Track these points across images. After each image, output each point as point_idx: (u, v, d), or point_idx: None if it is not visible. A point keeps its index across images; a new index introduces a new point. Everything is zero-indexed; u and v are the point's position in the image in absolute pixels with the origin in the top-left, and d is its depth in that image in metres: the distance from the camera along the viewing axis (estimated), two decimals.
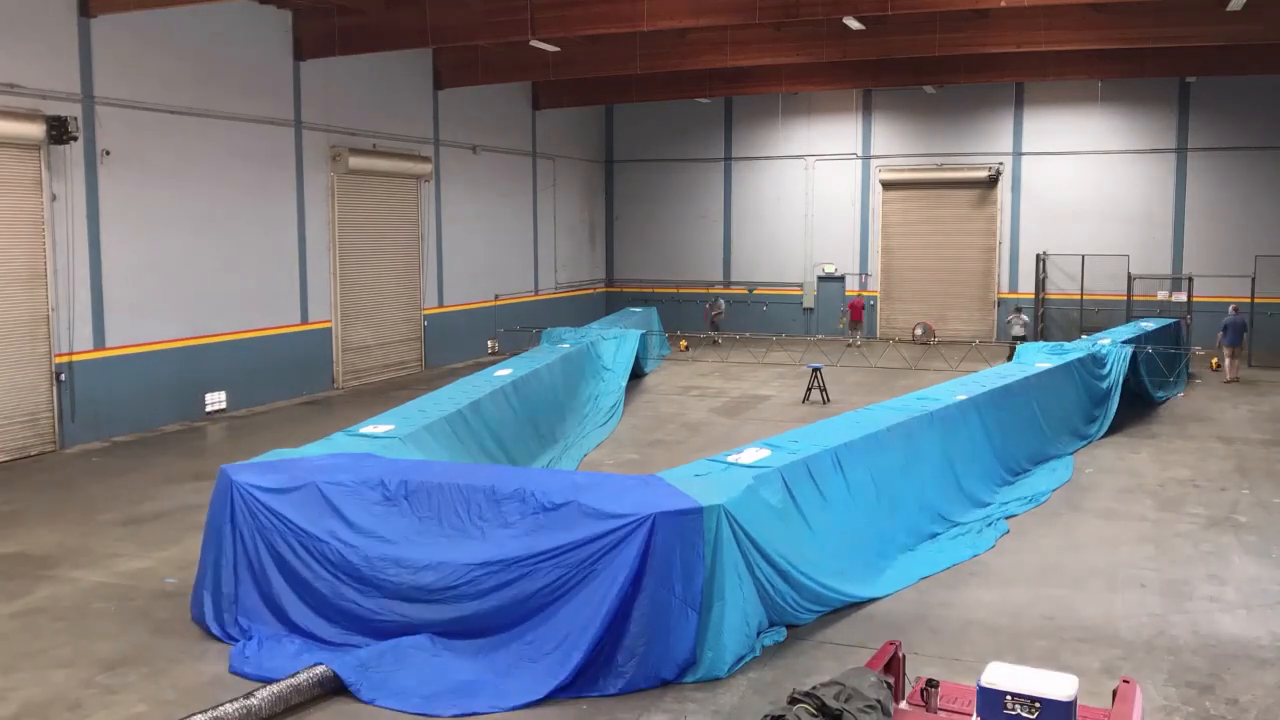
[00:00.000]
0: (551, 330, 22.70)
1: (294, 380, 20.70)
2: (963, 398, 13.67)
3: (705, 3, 17.84)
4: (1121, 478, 14.38)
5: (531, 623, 8.08)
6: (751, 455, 9.96)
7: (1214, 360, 20.57)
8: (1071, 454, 15.50)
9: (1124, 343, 18.48)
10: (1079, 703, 5.42)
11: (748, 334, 28.48)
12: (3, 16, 15.25)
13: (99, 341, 16.81)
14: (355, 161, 21.82)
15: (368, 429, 11.54)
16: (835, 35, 21.36)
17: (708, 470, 9.57)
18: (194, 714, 7.05)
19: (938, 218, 30.33)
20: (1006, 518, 12.24)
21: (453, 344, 25.33)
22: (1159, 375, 19.80)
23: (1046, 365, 16.57)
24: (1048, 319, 28.24)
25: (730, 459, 9.90)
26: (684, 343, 27.78)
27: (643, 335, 22.84)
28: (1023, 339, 24.18)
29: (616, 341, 21.35)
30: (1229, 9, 18.25)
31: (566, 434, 16.79)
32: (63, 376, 16.15)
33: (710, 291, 31.68)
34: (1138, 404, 18.74)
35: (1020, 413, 14.82)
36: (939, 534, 11.47)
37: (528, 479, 9.26)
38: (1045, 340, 25.04)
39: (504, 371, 16.34)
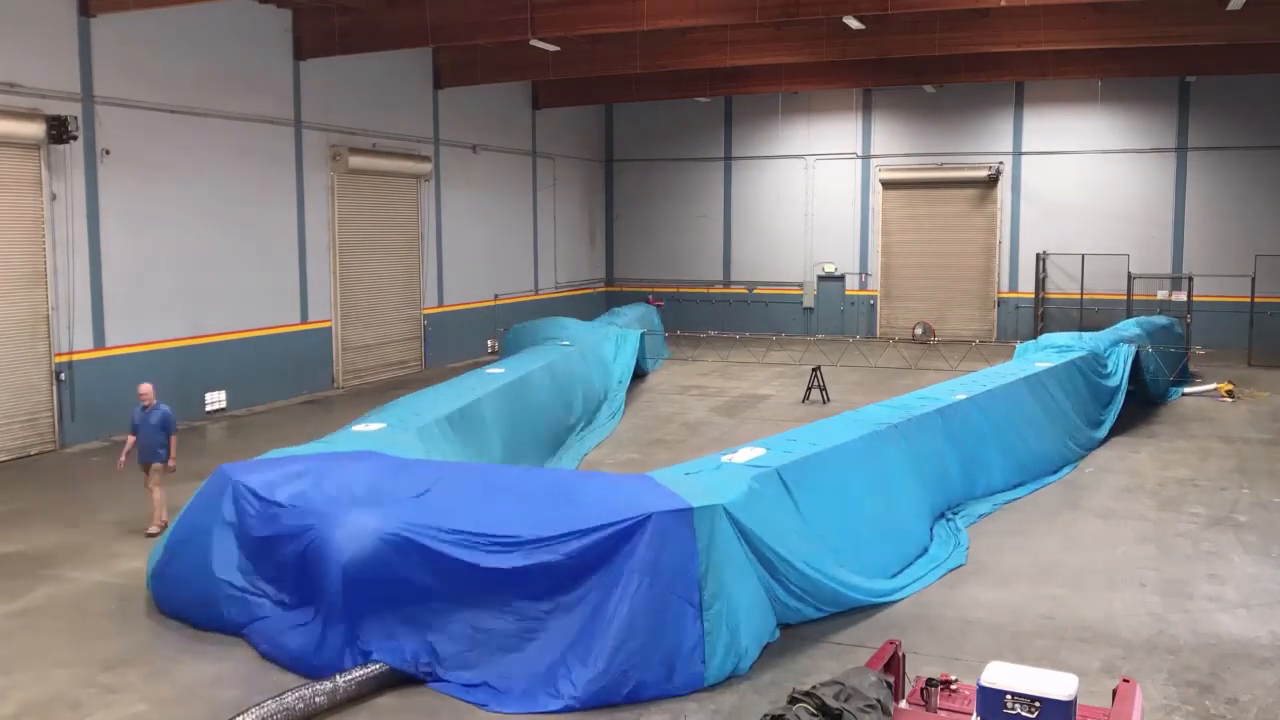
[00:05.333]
0: (522, 326, 22.28)
1: (294, 380, 20.69)
2: (962, 396, 13.66)
3: (705, 2, 17.82)
4: (1121, 477, 14.38)
5: (532, 627, 8.05)
6: (747, 454, 9.94)
7: (1222, 386, 20.53)
8: (1077, 459, 15.30)
9: (1124, 342, 18.49)
10: (1079, 702, 5.42)
11: (748, 334, 28.47)
12: (3, 16, 15.25)
13: (99, 341, 16.81)
14: (355, 161, 21.82)
15: (359, 427, 11.52)
16: (835, 35, 21.36)
17: (698, 469, 9.58)
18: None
19: (938, 217, 30.33)
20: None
21: (453, 344, 25.33)
22: (1162, 376, 19.80)
23: (1047, 365, 16.53)
24: (1048, 318, 28.24)
25: (725, 458, 9.89)
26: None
27: (643, 335, 22.81)
28: None
29: (616, 342, 21.28)
30: (1229, 9, 18.25)
31: (569, 432, 16.74)
32: (63, 376, 16.15)
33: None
34: (1140, 404, 18.72)
35: (1024, 413, 14.73)
36: (941, 535, 11.44)
37: (524, 477, 9.26)
38: None
39: (498, 370, 16.30)
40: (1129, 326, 20.67)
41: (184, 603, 9.17)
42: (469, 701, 7.70)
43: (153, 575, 9.56)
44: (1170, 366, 20.09)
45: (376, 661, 7.91)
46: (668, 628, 7.87)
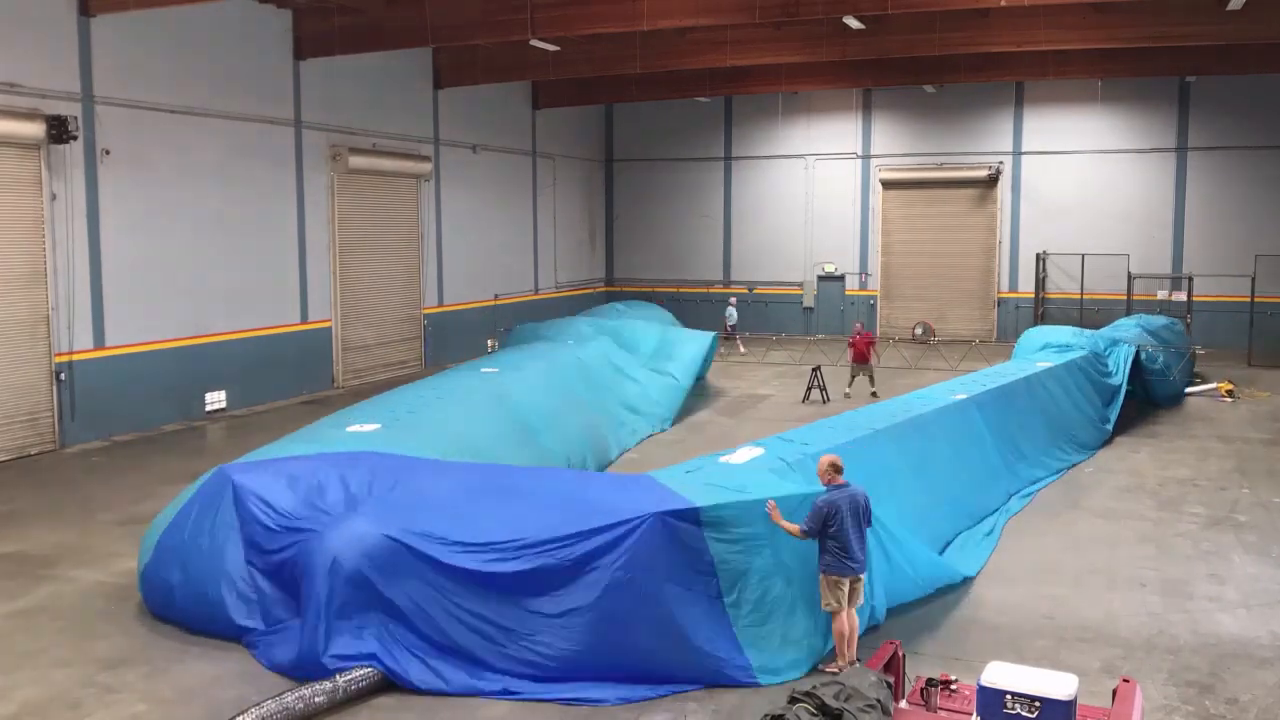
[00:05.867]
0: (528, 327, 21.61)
1: (294, 379, 20.69)
2: (961, 397, 13.61)
3: (705, 2, 17.81)
4: (1121, 477, 14.38)
5: (538, 630, 8.03)
6: (744, 455, 9.88)
7: (1222, 385, 20.52)
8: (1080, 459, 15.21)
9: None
10: (1079, 702, 5.43)
11: (748, 334, 28.46)
12: (3, 16, 15.25)
13: (99, 341, 16.81)
14: (355, 161, 21.82)
15: (354, 427, 11.48)
16: (835, 35, 21.36)
17: (698, 466, 9.56)
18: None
19: (938, 217, 30.33)
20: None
21: (453, 343, 25.32)
22: (1173, 376, 19.59)
23: (1048, 365, 16.48)
24: (1048, 318, 28.24)
25: (723, 459, 9.83)
26: None
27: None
28: None
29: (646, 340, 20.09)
30: (1229, 9, 18.25)
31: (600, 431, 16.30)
32: (63, 376, 16.15)
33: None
34: (1141, 403, 18.67)
35: (1030, 411, 14.61)
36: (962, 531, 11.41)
37: (531, 477, 9.25)
38: None
39: (491, 369, 16.13)
40: (1128, 325, 20.58)
41: (177, 605, 9.05)
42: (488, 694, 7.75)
43: (144, 577, 9.41)
44: (1176, 367, 19.88)
45: (369, 666, 7.87)
46: (697, 628, 7.91)
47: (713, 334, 21.09)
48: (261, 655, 8.36)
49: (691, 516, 8.02)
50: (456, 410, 13.23)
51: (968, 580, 10.14)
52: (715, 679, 7.86)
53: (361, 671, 7.78)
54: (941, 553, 10.74)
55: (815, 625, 8.29)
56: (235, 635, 8.68)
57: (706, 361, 20.95)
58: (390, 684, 7.87)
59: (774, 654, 8.02)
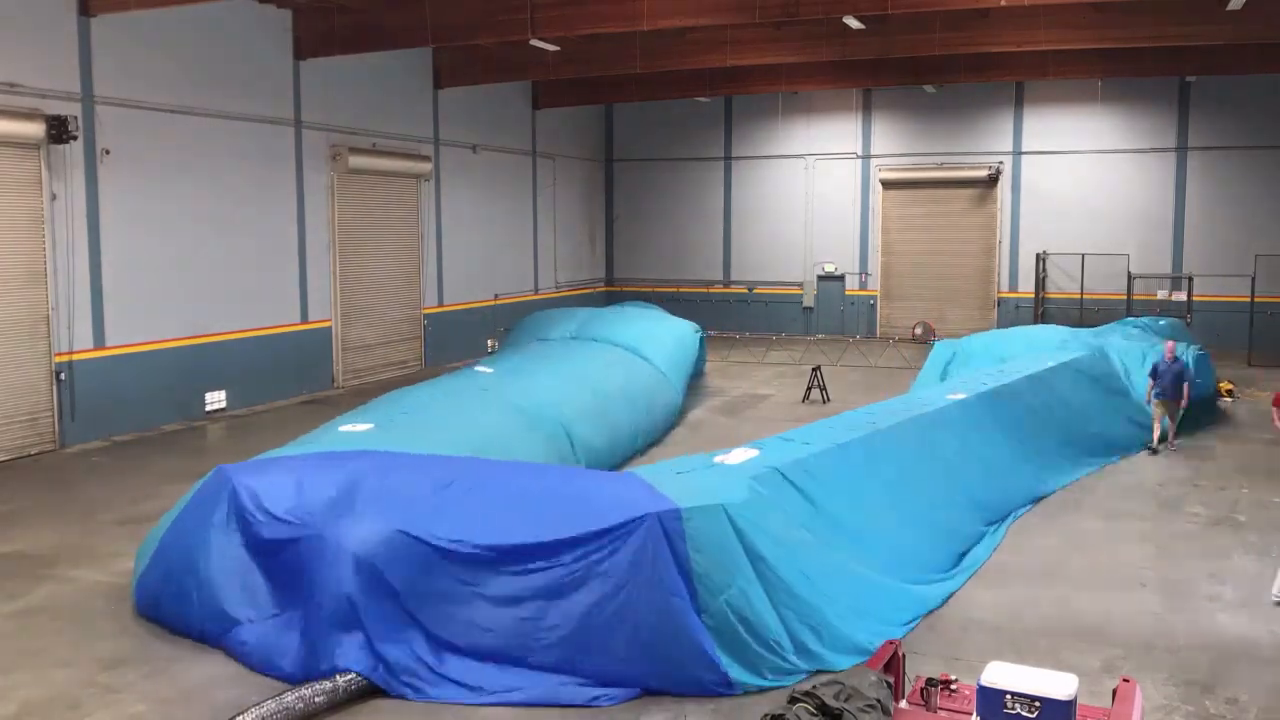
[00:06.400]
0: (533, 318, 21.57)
1: (294, 379, 20.69)
2: (961, 396, 13.56)
3: (705, 2, 17.82)
4: (1121, 477, 14.38)
5: (524, 634, 8.01)
6: (739, 455, 9.83)
7: (1222, 385, 20.01)
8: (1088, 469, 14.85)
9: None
10: (1079, 702, 5.43)
11: (748, 334, 28.48)
12: (3, 16, 15.25)
13: (99, 341, 16.81)
14: (355, 161, 21.82)
15: (345, 427, 11.46)
16: (835, 35, 21.36)
17: (690, 468, 9.54)
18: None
19: (937, 217, 30.33)
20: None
21: (453, 343, 25.33)
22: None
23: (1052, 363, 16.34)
24: (1048, 318, 28.25)
25: (718, 459, 9.80)
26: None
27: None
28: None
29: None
30: (1229, 9, 18.25)
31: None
32: (63, 376, 16.15)
33: None
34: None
35: (1041, 411, 14.45)
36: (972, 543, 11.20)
37: (520, 474, 9.24)
38: None
39: (485, 369, 16.11)
40: (1125, 327, 20.16)
41: (173, 609, 8.95)
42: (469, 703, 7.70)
43: (140, 582, 9.34)
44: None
45: (366, 666, 7.82)
46: (672, 633, 7.81)
47: (699, 333, 21.01)
48: (257, 658, 8.28)
49: (674, 517, 7.96)
50: (457, 408, 13.22)
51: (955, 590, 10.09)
52: (695, 689, 7.75)
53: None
54: (962, 554, 10.70)
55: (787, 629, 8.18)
56: (231, 637, 8.58)
57: (701, 358, 20.95)
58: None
59: (752, 661, 7.89)
